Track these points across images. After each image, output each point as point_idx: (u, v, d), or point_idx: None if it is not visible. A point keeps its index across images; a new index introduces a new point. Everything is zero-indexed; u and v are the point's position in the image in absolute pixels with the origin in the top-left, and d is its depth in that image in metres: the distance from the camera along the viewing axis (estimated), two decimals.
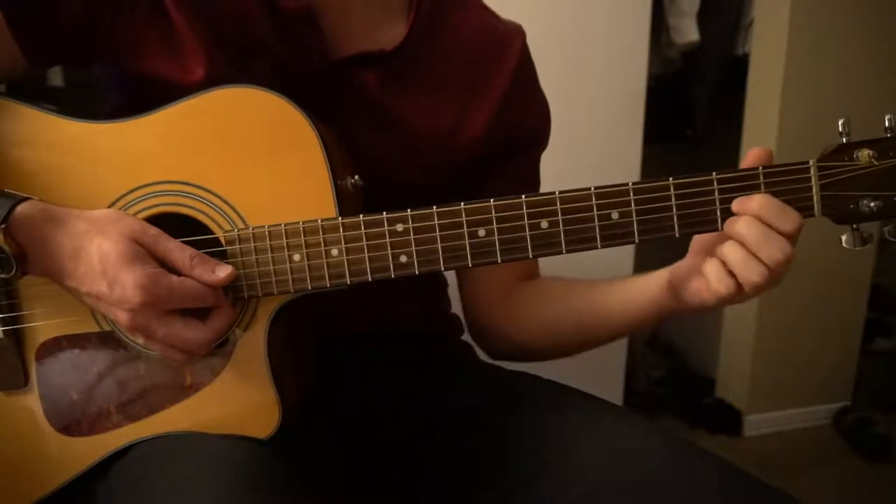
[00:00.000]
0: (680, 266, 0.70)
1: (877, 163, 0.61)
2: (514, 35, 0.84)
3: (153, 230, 0.64)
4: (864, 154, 0.61)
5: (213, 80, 0.69)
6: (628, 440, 0.68)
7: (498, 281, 0.86)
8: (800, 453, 2.06)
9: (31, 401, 0.71)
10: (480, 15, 0.85)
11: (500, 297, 0.87)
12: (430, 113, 0.79)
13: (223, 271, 0.64)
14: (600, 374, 1.78)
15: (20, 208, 0.62)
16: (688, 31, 1.92)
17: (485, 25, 0.84)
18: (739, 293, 0.64)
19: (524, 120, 0.85)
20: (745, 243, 0.62)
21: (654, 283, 0.74)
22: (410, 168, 0.79)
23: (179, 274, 0.63)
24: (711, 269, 0.64)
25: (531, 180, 0.89)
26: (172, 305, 0.63)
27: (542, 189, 0.89)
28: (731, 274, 0.63)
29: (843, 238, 0.64)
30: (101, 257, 0.61)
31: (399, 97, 0.78)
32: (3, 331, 0.70)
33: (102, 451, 0.70)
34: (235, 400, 0.68)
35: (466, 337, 0.96)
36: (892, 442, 2.02)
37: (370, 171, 0.72)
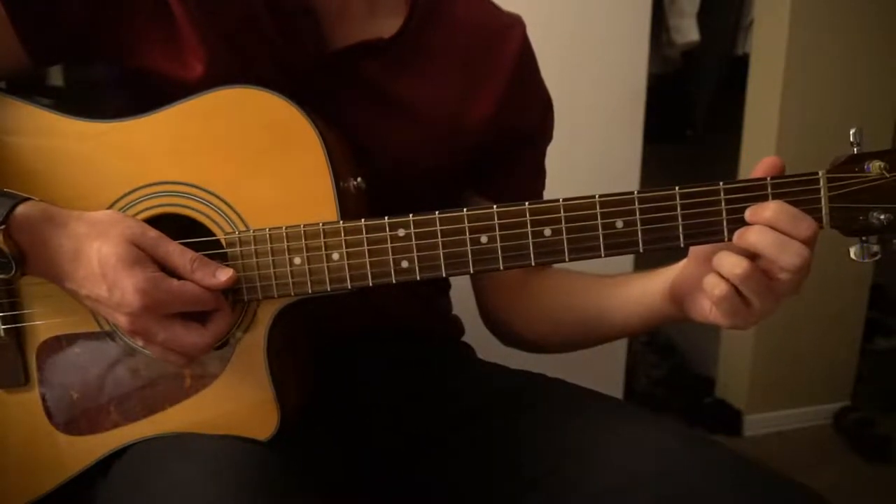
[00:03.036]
0: (682, 276, 0.69)
1: (888, 175, 0.60)
2: (513, 24, 0.84)
3: (153, 233, 0.63)
4: (876, 165, 0.60)
5: (213, 77, 0.69)
6: (640, 436, 0.67)
7: (508, 274, 0.86)
8: (800, 453, 2.06)
9: (32, 399, 0.71)
10: (479, 3, 0.85)
11: (509, 290, 0.87)
12: (434, 95, 0.79)
13: (224, 275, 0.64)
14: (600, 374, 1.78)
15: (20, 209, 0.62)
16: (688, 30, 1.92)
17: (484, 14, 0.84)
18: (748, 312, 0.63)
19: (527, 108, 0.85)
20: (760, 253, 0.60)
21: (655, 290, 0.73)
22: (417, 155, 0.79)
23: (179, 277, 0.63)
24: (713, 286, 0.63)
25: (537, 173, 0.89)
26: (172, 309, 0.62)
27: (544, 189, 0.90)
28: (738, 293, 0.62)
29: (852, 251, 0.62)
30: (100, 260, 0.61)
31: (401, 83, 0.78)
32: (4, 329, 0.70)
33: (102, 450, 0.70)
34: (235, 401, 0.68)
35: (467, 338, 0.96)
36: (892, 442, 2.02)
37: (377, 161, 0.72)
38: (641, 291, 0.75)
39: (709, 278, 0.63)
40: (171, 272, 0.63)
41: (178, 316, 0.63)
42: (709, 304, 0.66)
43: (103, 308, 0.63)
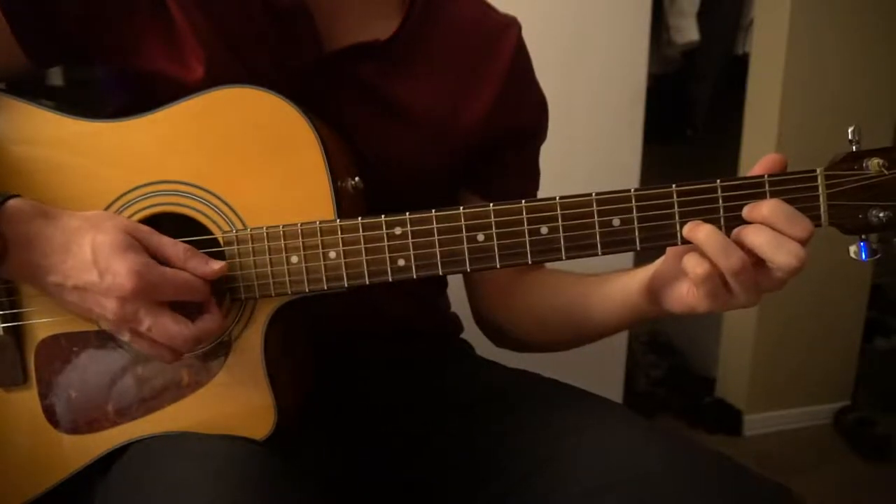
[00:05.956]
0: (659, 272, 0.69)
1: (887, 172, 0.59)
2: (509, 25, 0.85)
3: (146, 227, 0.64)
4: (874, 163, 0.59)
5: (213, 78, 0.69)
6: (627, 439, 0.67)
7: (499, 273, 0.86)
8: (800, 453, 2.06)
9: (30, 398, 0.71)
10: (475, 5, 0.86)
11: (500, 290, 0.87)
12: (429, 97, 0.79)
13: (216, 264, 0.64)
14: (600, 374, 1.78)
15: (12, 202, 0.62)
16: (688, 30, 1.92)
17: (480, 15, 0.85)
18: (728, 300, 0.63)
19: (522, 109, 0.85)
20: (756, 251, 0.60)
21: (633, 288, 0.72)
22: (412, 156, 0.79)
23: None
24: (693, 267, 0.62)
25: (532, 173, 0.89)
26: (164, 295, 0.62)
27: (542, 191, 0.89)
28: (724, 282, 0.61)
29: (851, 249, 0.62)
30: (94, 248, 0.61)
31: (397, 84, 0.78)
32: (3, 328, 0.70)
33: (100, 449, 0.70)
34: (232, 401, 0.68)
35: (466, 335, 0.96)
36: (892, 442, 2.03)
37: (373, 161, 0.72)
38: (621, 289, 0.75)
39: (690, 257, 0.62)
40: (164, 263, 0.63)
41: (168, 306, 0.63)
42: (686, 288, 0.65)
43: (91, 296, 0.62)
